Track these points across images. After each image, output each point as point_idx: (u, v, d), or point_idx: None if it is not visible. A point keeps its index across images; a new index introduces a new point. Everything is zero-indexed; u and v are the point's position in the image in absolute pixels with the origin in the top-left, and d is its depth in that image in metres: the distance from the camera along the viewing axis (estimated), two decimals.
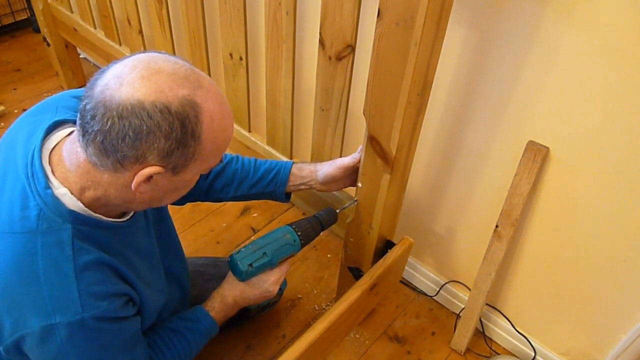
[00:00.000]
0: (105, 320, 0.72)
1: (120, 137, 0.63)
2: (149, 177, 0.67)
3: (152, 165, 0.66)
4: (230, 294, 1.00)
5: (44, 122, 0.77)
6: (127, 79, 0.63)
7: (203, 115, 0.66)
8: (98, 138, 0.64)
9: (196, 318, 0.98)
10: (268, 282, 0.99)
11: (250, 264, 0.96)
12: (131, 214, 0.82)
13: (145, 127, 0.63)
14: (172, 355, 0.92)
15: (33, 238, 0.69)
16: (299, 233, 1.01)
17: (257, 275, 0.99)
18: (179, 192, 0.76)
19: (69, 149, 0.71)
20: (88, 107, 0.64)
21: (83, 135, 0.66)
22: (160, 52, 0.68)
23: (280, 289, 1.08)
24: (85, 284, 0.70)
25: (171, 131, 0.64)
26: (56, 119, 0.78)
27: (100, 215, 0.74)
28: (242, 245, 1.59)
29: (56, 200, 0.70)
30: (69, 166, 0.71)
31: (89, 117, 0.64)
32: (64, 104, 0.82)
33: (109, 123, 0.63)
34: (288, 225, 1.02)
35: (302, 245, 1.02)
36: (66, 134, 0.75)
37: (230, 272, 1.01)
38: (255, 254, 0.97)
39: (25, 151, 0.74)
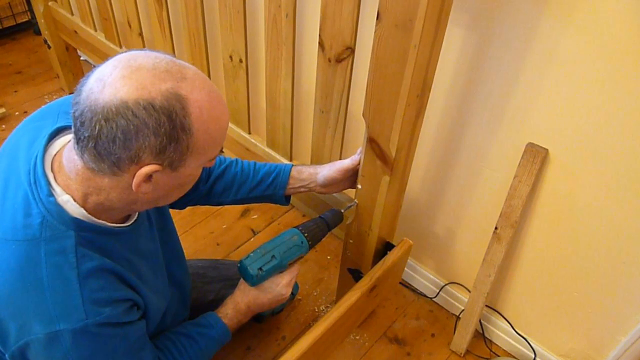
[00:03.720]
0: (109, 325, 0.72)
1: (110, 139, 0.63)
2: (149, 177, 0.67)
3: (148, 164, 0.66)
4: (242, 301, 1.00)
5: (46, 128, 0.77)
6: (109, 80, 0.63)
7: (190, 107, 0.65)
8: (90, 144, 0.64)
9: (208, 324, 0.97)
10: (280, 286, 0.99)
11: (260, 268, 0.96)
12: (134, 218, 0.81)
13: (132, 127, 0.62)
14: None
15: (36, 245, 0.69)
16: (305, 234, 1.01)
17: (269, 279, 0.99)
18: (182, 188, 0.75)
19: (67, 157, 0.71)
20: (77, 114, 0.64)
21: (77, 143, 0.66)
22: (141, 50, 0.67)
23: (292, 293, 1.08)
24: (89, 290, 0.70)
25: (159, 127, 0.63)
26: (58, 125, 0.78)
27: (103, 222, 0.74)
28: (242, 247, 1.61)
29: (59, 208, 0.70)
30: (69, 173, 0.71)
31: (78, 124, 0.64)
32: (66, 109, 0.82)
33: (97, 127, 0.62)
34: (294, 227, 1.03)
35: (310, 246, 1.02)
36: (67, 140, 0.75)
37: (242, 279, 1.01)
38: (264, 258, 0.97)
39: (27, 158, 0.74)
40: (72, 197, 0.71)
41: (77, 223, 0.71)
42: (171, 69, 0.65)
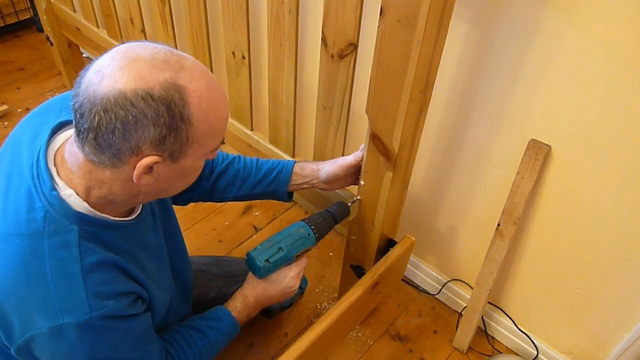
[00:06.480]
0: (113, 319, 0.72)
1: (109, 131, 0.63)
2: (150, 168, 0.67)
3: (148, 155, 0.65)
4: (251, 294, 1.00)
5: (48, 123, 0.77)
6: (107, 71, 0.63)
7: (189, 97, 0.64)
8: (90, 135, 0.64)
9: (218, 317, 0.98)
10: (288, 278, 0.99)
11: (267, 260, 0.97)
12: (138, 212, 0.81)
13: (131, 117, 0.62)
14: (193, 354, 0.91)
15: (40, 240, 0.69)
16: (312, 227, 1.02)
17: (276, 272, 1.00)
18: (185, 179, 0.75)
19: (69, 151, 0.71)
20: (76, 105, 0.64)
21: (78, 135, 0.66)
22: (140, 41, 0.67)
23: (301, 287, 1.07)
24: (92, 284, 0.70)
25: (158, 117, 0.63)
26: (60, 119, 0.78)
27: (106, 215, 0.74)
28: (245, 244, 1.61)
29: (62, 202, 0.70)
30: (71, 167, 0.71)
31: (78, 115, 0.64)
32: (68, 104, 0.82)
33: (96, 119, 0.62)
34: (301, 220, 1.04)
35: (317, 239, 1.03)
36: (70, 134, 0.75)
37: (250, 273, 1.02)
38: (271, 250, 0.98)
39: (30, 152, 0.74)
40: (75, 191, 0.71)
41: (80, 217, 0.71)
42: (169, 59, 0.65)
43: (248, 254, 0.98)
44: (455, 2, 0.82)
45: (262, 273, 0.98)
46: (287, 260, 1.00)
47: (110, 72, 0.62)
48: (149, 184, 0.69)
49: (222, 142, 0.75)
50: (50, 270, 0.68)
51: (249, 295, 1.00)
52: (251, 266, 0.99)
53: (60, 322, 0.68)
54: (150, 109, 0.62)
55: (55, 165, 0.72)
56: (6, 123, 2.05)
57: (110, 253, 0.73)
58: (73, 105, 0.65)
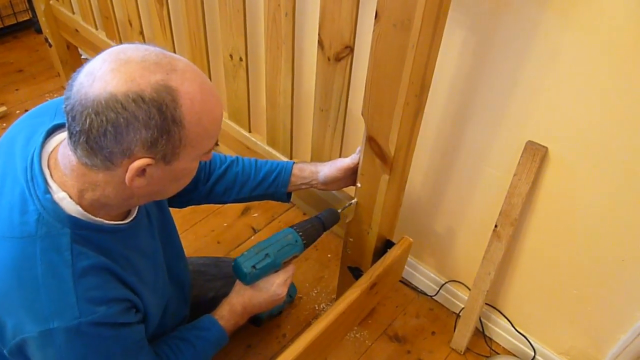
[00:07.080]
0: (103, 325, 0.71)
1: (101, 133, 0.62)
2: (142, 170, 0.67)
3: (140, 157, 0.65)
4: (238, 302, 0.99)
5: (43, 125, 0.77)
6: (98, 73, 0.62)
7: (181, 99, 0.64)
8: (82, 138, 0.64)
9: (205, 326, 0.97)
10: (275, 285, 0.99)
11: (254, 266, 0.97)
12: (134, 215, 0.81)
13: (122, 120, 0.62)
14: None
15: (32, 243, 0.68)
16: (300, 233, 1.02)
17: (264, 279, 0.99)
18: (179, 182, 0.75)
19: (62, 153, 0.71)
20: (68, 108, 0.64)
21: (70, 138, 0.66)
22: (132, 43, 0.67)
23: (290, 295, 1.05)
24: (84, 289, 0.70)
25: (149, 120, 0.62)
26: (55, 122, 0.78)
27: (100, 219, 0.73)
28: (243, 245, 1.61)
29: (55, 205, 0.70)
30: (64, 170, 0.71)
31: (70, 118, 0.64)
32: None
33: (87, 121, 0.62)
34: (290, 227, 1.03)
35: (305, 246, 1.02)
36: (64, 137, 0.75)
37: (237, 281, 1.01)
38: (258, 256, 0.98)
39: (24, 154, 0.74)
40: (68, 194, 0.70)
41: (73, 221, 0.70)
42: (161, 61, 0.64)
43: (235, 260, 0.98)
44: (453, 6, 0.82)
45: (249, 280, 0.97)
46: (274, 267, 0.99)
47: (102, 75, 0.62)
48: (141, 186, 0.69)
49: (217, 144, 0.74)
50: (42, 274, 0.68)
51: (235, 304, 0.99)
52: (238, 272, 0.98)
53: (49, 326, 0.67)
54: (141, 111, 0.62)
55: (48, 167, 0.72)
56: (4, 124, 2.05)
57: (102, 257, 0.73)
58: (65, 107, 0.65)
